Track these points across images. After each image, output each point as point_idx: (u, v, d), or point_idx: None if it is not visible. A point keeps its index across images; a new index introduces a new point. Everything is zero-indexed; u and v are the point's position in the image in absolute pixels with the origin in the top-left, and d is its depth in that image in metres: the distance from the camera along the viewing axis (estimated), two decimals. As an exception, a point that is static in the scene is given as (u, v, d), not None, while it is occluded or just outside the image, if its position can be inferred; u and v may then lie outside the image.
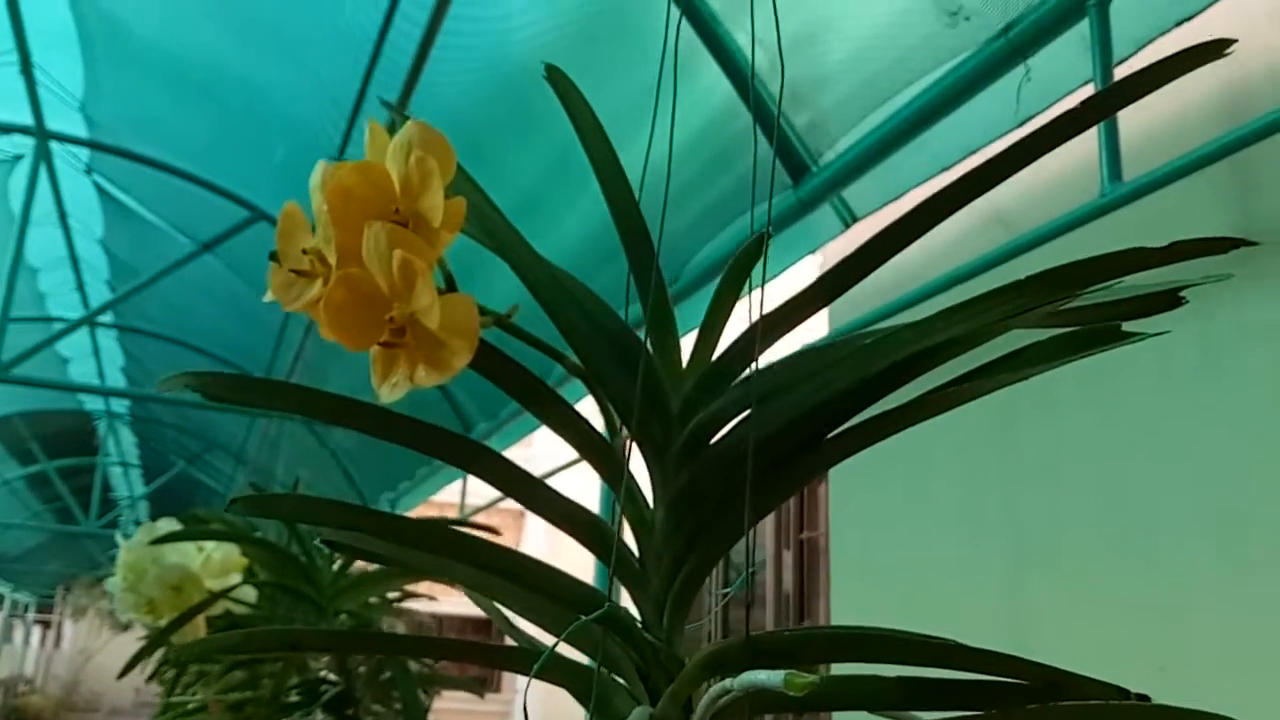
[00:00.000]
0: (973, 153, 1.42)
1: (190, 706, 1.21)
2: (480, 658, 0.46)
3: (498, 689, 10.33)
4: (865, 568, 2.35)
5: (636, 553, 0.46)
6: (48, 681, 14.51)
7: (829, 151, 1.49)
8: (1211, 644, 1.38)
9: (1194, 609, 1.42)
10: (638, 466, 0.47)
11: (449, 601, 1.50)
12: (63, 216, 4.03)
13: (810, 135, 1.52)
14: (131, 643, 1.44)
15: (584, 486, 1.37)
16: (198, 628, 1.07)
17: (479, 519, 2.81)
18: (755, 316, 0.44)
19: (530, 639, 0.50)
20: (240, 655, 1.10)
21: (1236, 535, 1.37)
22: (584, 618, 0.42)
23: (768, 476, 0.44)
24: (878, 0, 1.34)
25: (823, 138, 1.52)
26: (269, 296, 0.47)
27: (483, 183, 0.49)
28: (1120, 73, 1.09)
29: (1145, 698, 0.39)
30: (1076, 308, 0.43)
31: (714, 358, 0.46)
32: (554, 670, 0.44)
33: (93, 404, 6.85)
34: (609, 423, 0.47)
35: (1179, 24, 1.13)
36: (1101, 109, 0.43)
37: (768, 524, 4.01)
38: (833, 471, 1.34)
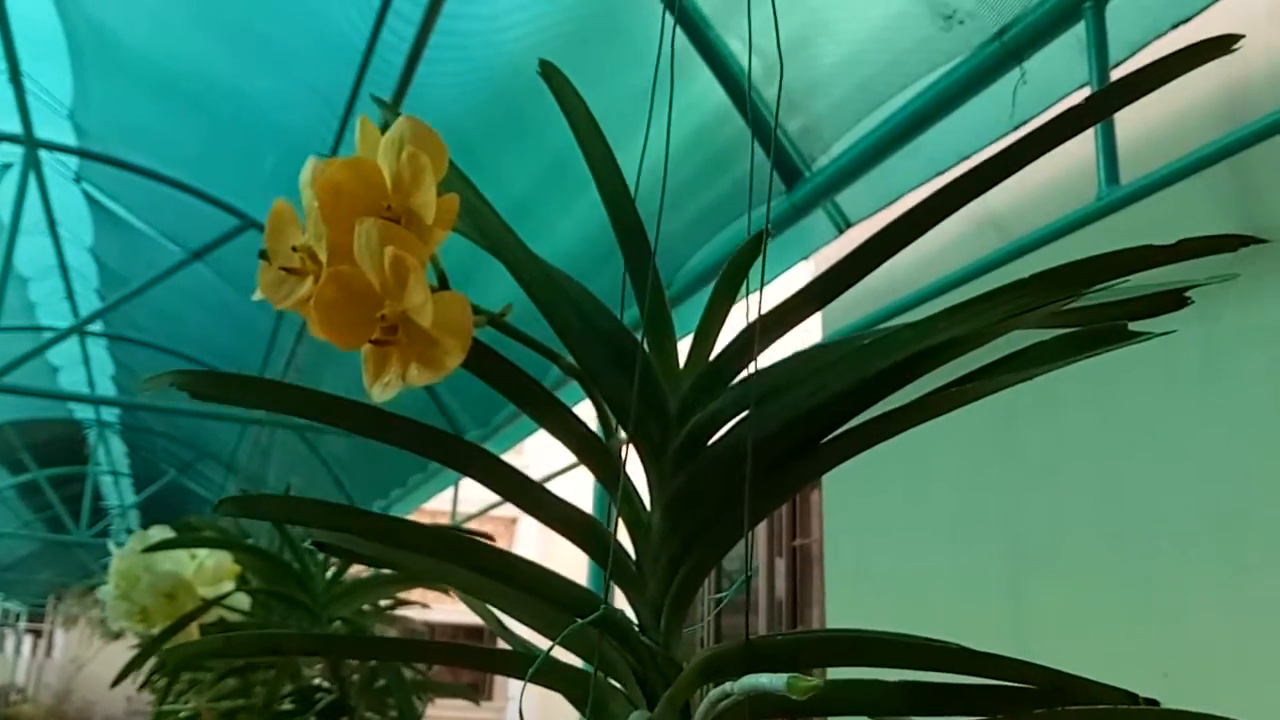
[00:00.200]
0: (967, 157, 1.42)
1: (182, 715, 1.20)
2: (474, 662, 0.45)
3: (490, 696, 10.30)
4: (861, 574, 2.34)
5: (633, 555, 0.45)
6: (39, 690, 14.42)
7: (822, 156, 1.49)
8: (1215, 649, 1.37)
9: (1197, 613, 1.41)
10: (633, 468, 0.46)
11: (441, 609, 1.49)
12: (52, 225, 4.01)
13: (804, 140, 1.51)
14: (123, 651, 1.42)
15: (577, 492, 1.35)
16: (191, 635, 1.06)
17: (471, 526, 2.80)
18: (753, 317, 0.43)
19: (525, 642, 0.49)
20: (230, 661, 1.09)
21: (1240, 537, 1.36)
22: (580, 621, 0.41)
23: (767, 478, 0.43)
24: (872, 4, 1.33)
25: (816, 143, 1.51)
26: (259, 295, 0.46)
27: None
28: (1117, 76, 1.09)
29: (1154, 702, 0.39)
30: (1080, 308, 0.43)
31: (711, 358, 0.46)
32: (550, 674, 0.43)
33: (83, 413, 6.82)
34: (605, 423, 0.46)
35: (1176, 26, 1.12)
36: (1104, 107, 0.42)
37: (760, 531, 4.00)
38: (826, 476, 1.33)
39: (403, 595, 1.21)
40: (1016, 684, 0.40)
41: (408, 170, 0.43)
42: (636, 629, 0.43)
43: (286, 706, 1.08)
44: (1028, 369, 0.43)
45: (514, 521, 8.94)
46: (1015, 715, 0.39)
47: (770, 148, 1.44)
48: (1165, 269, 0.40)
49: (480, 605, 0.50)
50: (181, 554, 1.16)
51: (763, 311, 0.44)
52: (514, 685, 7.35)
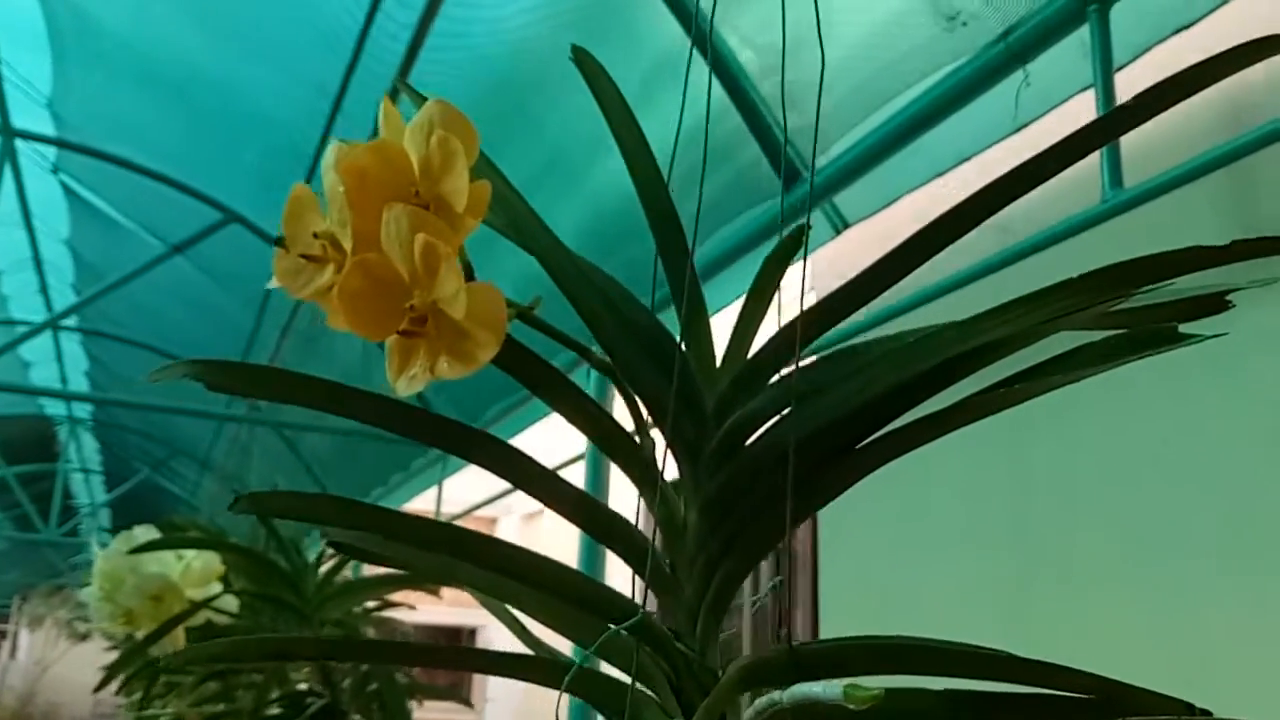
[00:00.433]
0: (966, 159, 1.41)
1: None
2: (507, 669, 0.43)
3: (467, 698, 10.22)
4: (859, 581, 2.28)
5: (666, 557, 0.43)
6: (3, 692, 14.20)
7: (821, 157, 1.48)
8: (1237, 659, 1.33)
9: (1218, 622, 1.37)
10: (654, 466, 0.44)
11: (425, 610, 1.46)
12: (27, 217, 3.94)
13: (803, 140, 1.50)
14: (91, 653, 1.39)
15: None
16: (177, 639, 1.03)
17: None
18: (797, 312, 0.42)
19: (549, 648, 0.47)
20: (211, 665, 1.06)
21: (1257, 544, 1.32)
22: (614, 626, 0.39)
23: (808, 479, 0.41)
24: (874, 4, 1.32)
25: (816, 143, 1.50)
26: (273, 283, 0.44)
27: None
28: (1120, 79, 1.09)
29: (1208, 713, 0.38)
30: (1126, 309, 0.42)
31: (750, 355, 0.44)
32: (579, 682, 0.41)
33: (54, 409, 6.71)
34: (637, 421, 0.44)
35: (1179, 30, 1.12)
36: (1146, 108, 0.41)
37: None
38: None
39: (389, 597, 1.19)
40: (1068, 693, 0.39)
41: (438, 155, 0.41)
42: (672, 635, 0.41)
43: (274, 711, 1.06)
44: (1078, 370, 0.42)
45: (493, 522, 8.89)
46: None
47: (781, 151, 1.43)
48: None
49: (500, 607, 0.49)
50: (168, 555, 1.13)
51: (804, 308, 0.42)
52: (492, 687, 7.29)
